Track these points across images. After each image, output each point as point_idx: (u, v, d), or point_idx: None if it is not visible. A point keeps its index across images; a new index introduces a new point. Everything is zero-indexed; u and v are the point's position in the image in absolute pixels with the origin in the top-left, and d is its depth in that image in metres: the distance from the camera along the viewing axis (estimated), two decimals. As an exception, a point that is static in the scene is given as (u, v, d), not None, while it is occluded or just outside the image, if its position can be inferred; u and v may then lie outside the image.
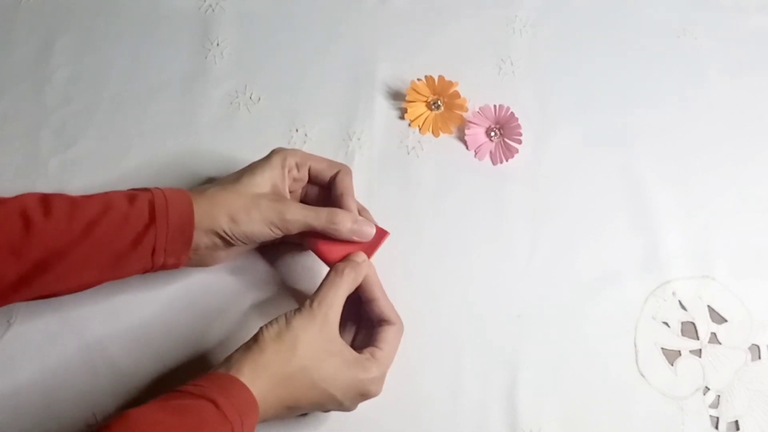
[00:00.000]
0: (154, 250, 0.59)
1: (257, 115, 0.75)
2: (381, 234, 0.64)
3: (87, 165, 0.72)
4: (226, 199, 0.61)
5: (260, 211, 0.61)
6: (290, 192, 0.66)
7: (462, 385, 0.65)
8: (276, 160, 0.64)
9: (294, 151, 0.66)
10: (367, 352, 0.60)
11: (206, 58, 0.78)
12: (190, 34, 0.79)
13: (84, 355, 0.65)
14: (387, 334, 0.61)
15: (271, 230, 0.61)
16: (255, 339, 0.57)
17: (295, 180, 0.66)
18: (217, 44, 0.78)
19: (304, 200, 0.67)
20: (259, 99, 0.76)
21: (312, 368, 0.56)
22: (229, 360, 0.56)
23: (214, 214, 0.60)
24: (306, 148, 0.73)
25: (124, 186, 0.69)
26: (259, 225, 0.61)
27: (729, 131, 0.75)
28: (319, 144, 0.74)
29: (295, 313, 0.58)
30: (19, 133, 0.74)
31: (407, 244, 0.69)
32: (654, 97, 0.77)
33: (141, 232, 0.58)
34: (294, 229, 0.62)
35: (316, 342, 0.57)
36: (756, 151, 0.75)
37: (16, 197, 0.58)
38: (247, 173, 0.63)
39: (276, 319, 0.58)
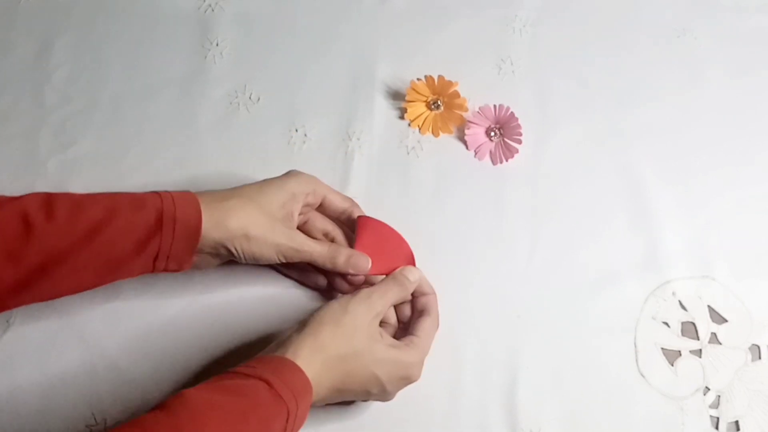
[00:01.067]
0: (157, 256, 0.59)
1: (257, 115, 0.75)
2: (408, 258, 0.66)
3: (87, 165, 0.72)
4: (246, 214, 0.61)
5: (275, 237, 0.61)
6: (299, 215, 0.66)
7: (462, 385, 0.65)
8: (297, 187, 0.64)
9: (316, 180, 0.66)
10: (405, 339, 0.61)
11: (205, 58, 0.78)
12: (189, 34, 0.79)
13: (84, 355, 0.65)
14: (423, 324, 0.63)
15: (278, 258, 0.62)
16: (306, 323, 0.57)
17: (305, 205, 0.66)
18: (217, 44, 0.78)
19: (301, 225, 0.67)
20: (259, 99, 0.76)
21: (365, 351, 0.58)
22: (282, 343, 0.56)
23: (230, 228, 0.60)
24: (306, 148, 0.73)
25: (124, 186, 0.70)
26: (270, 250, 0.61)
27: (729, 131, 0.75)
28: (318, 144, 0.74)
29: (351, 299, 0.59)
30: (19, 132, 0.73)
31: (407, 244, 0.69)
32: (654, 97, 0.77)
33: (145, 240, 0.58)
34: (297, 260, 0.63)
35: (368, 328, 0.59)
36: (756, 151, 0.75)
37: (19, 198, 0.56)
38: (270, 189, 0.63)
39: (329, 303, 0.59)
